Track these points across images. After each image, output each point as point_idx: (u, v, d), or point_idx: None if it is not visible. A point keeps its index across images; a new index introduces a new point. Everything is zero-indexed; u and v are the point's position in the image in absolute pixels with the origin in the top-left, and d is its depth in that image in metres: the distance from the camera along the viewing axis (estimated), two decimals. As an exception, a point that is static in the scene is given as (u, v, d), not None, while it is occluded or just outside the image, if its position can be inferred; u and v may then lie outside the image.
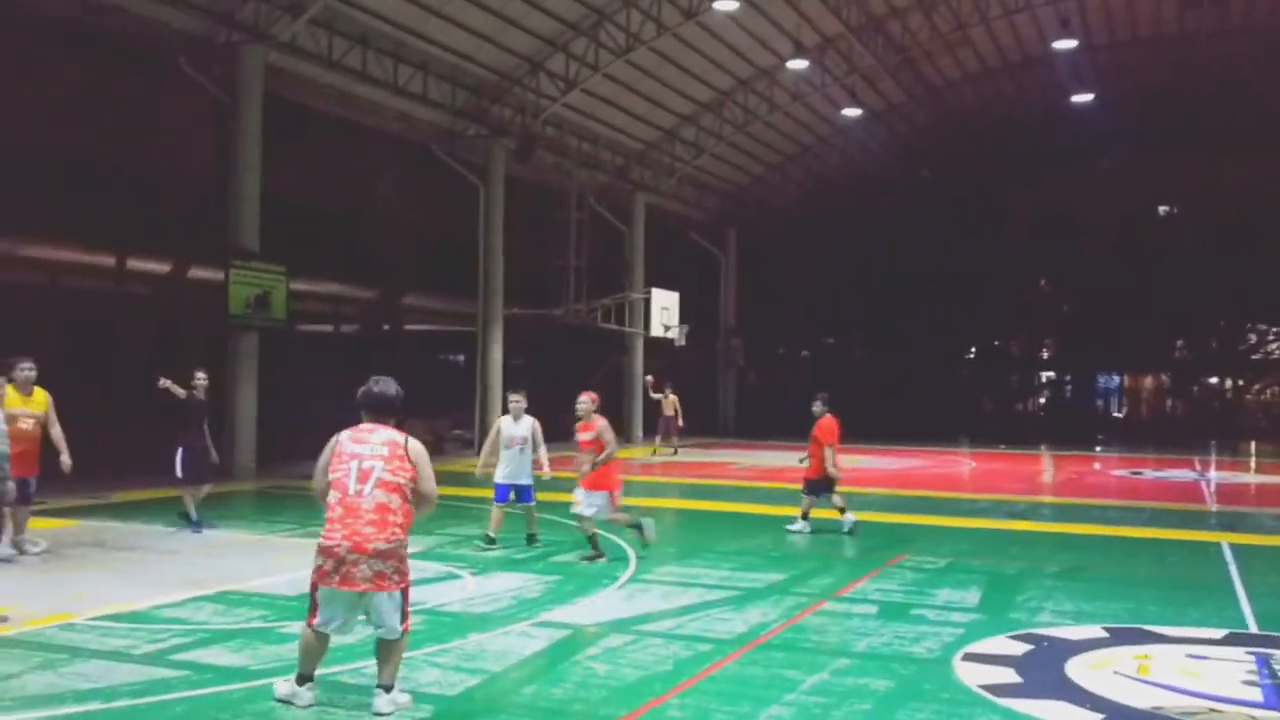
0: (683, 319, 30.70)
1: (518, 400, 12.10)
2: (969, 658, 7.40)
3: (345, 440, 6.11)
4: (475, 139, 26.68)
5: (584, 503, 11.24)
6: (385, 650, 6.09)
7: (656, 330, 29.45)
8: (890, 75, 33.19)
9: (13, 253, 18.08)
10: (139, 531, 12.84)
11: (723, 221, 39.77)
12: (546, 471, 12.12)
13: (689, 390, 29.52)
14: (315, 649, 6.09)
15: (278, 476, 19.44)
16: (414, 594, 9.33)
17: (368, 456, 6.05)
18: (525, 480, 12.06)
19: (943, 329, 45.60)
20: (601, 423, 11.30)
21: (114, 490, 16.25)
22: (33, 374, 10.83)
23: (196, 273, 21.23)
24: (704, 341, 37.80)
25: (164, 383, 12.64)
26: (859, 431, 33.16)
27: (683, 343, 30.90)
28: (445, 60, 24.54)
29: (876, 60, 30.95)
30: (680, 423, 26.62)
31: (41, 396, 10.89)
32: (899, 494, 19.19)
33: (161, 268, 21.25)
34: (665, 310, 29.60)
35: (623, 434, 32.32)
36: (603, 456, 11.24)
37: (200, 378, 13.11)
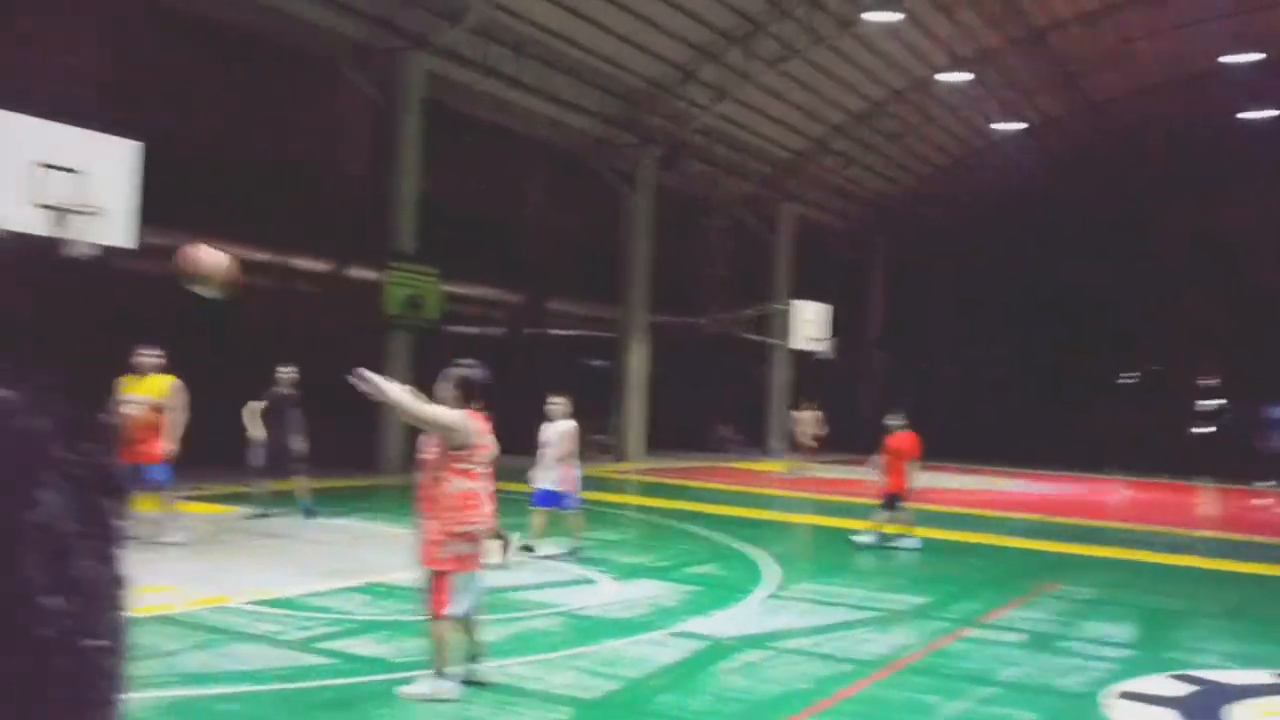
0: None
1: (555, 403, 11.73)
2: (1125, 696, 7.08)
3: (480, 433, 6.31)
4: (624, 147, 26.89)
5: None
6: (477, 622, 6.57)
7: (801, 343, 29.11)
8: (1048, 89, 32.24)
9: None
10: (290, 520, 13.25)
11: (869, 232, 39.23)
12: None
13: (828, 404, 29.07)
14: (450, 639, 6.24)
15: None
16: (552, 596, 9.52)
17: (489, 447, 6.33)
18: (544, 484, 11.53)
19: (1096, 349, 44.02)
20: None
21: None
22: (149, 360, 11.03)
23: (355, 273, 21.87)
24: (844, 354, 37.31)
25: (257, 438, 13.08)
26: (1003, 453, 32.43)
27: (831, 356, 30.46)
28: (597, 68, 24.81)
29: (1035, 74, 30.09)
30: (816, 439, 25.75)
31: (157, 382, 11.02)
32: (1046, 520, 18.55)
33: (322, 267, 21.96)
34: (811, 323, 29.26)
35: (758, 446, 32.14)
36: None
37: (284, 371, 13.40)
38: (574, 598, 9.52)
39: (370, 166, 22.01)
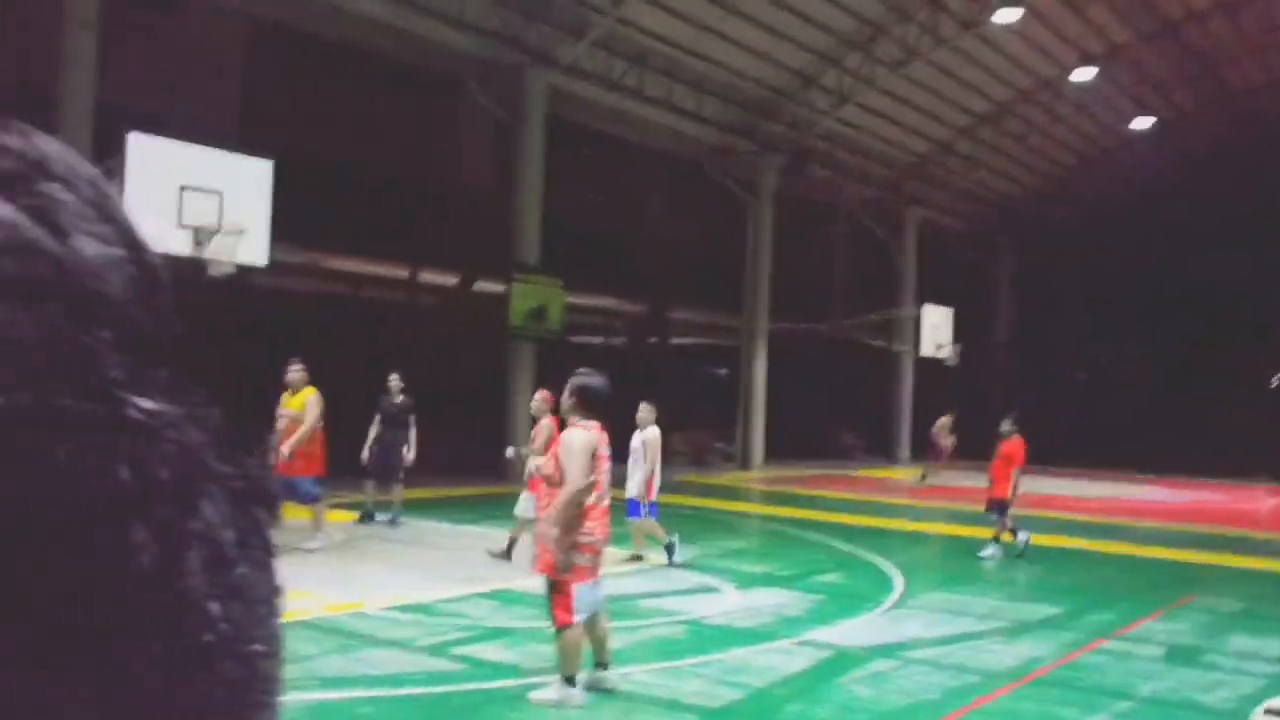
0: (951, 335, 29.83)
1: (643, 410, 11.50)
2: (1272, 713, 6.80)
3: (600, 445, 6.34)
4: (745, 154, 26.86)
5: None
6: (605, 630, 6.59)
7: (927, 349, 28.67)
8: (1183, 83, 31.16)
9: (318, 265, 19.56)
10: (421, 527, 13.57)
11: (993, 234, 38.45)
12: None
13: (954, 410, 28.53)
14: (581, 646, 6.32)
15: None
16: (676, 603, 9.57)
17: (607, 459, 6.40)
18: (630, 493, 11.35)
19: (1231, 343, 42.21)
20: (544, 422, 10.73)
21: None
22: (293, 375, 11.29)
23: (481, 285, 22.31)
24: (968, 357, 36.57)
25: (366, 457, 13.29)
26: (1135, 456, 31.34)
27: (956, 362, 29.93)
28: (718, 77, 24.84)
29: (1169, 68, 29.11)
30: (944, 445, 25.17)
31: (300, 397, 11.29)
32: (1186, 529, 17.89)
33: (449, 280, 22.45)
34: (937, 327, 28.80)
35: (885, 453, 31.72)
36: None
37: (391, 380, 13.60)
38: (698, 605, 9.55)
39: (494, 180, 22.43)
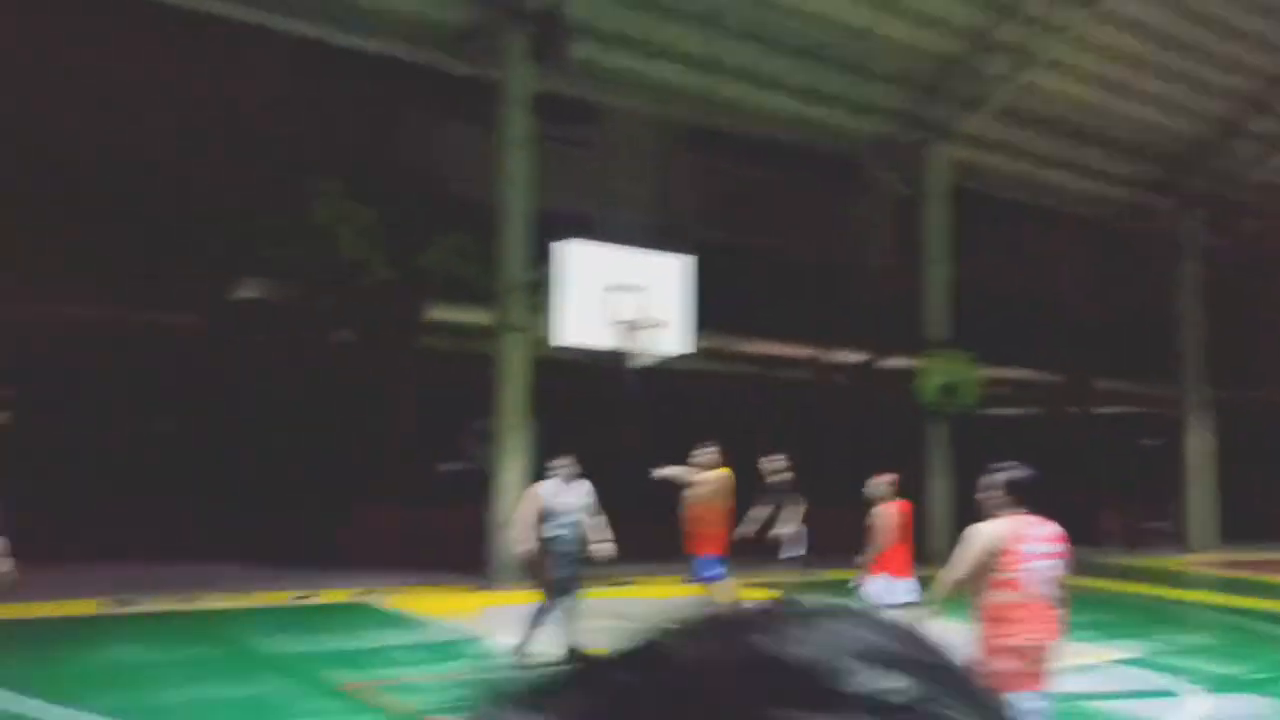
0: None
1: (771, 461, 10.49)
2: None
3: (1012, 540, 5.87)
4: (1166, 213, 25.06)
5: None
6: None
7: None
8: None
9: (733, 349, 20.16)
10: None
11: None
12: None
13: None
14: None
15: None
16: (1131, 708, 8.82)
17: (1030, 555, 5.85)
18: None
19: None
20: (881, 509, 10.04)
21: (819, 569, 17.10)
22: (702, 457, 11.31)
23: (889, 363, 22.11)
24: None
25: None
26: None
27: None
28: (1131, 135, 23.41)
29: None
30: None
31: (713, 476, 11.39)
32: None
33: (856, 358, 22.42)
34: None
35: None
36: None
37: (774, 461, 13.41)
38: (1157, 711, 8.75)
39: (897, 256, 22.30)
